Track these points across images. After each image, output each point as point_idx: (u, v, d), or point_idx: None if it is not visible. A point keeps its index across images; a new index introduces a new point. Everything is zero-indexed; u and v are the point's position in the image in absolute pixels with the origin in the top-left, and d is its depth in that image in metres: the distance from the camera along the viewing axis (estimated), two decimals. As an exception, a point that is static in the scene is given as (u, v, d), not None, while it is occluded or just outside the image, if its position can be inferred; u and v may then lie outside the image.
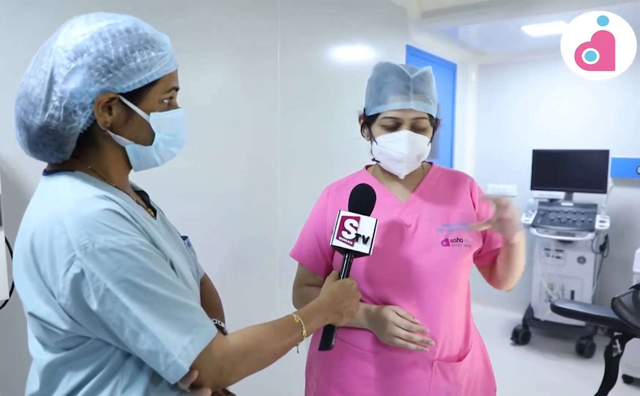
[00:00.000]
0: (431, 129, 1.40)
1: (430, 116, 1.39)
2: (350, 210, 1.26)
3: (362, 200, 1.28)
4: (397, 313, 1.32)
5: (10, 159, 1.64)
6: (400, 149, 1.35)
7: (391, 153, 1.37)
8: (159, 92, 0.97)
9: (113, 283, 0.82)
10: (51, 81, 0.88)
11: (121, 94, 0.92)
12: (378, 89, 1.38)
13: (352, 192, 1.29)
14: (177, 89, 1.02)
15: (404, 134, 1.35)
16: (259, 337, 0.98)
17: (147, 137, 0.98)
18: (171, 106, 1.01)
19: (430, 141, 1.40)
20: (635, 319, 1.89)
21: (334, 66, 3.13)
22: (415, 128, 1.36)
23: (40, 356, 0.92)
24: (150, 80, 0.94)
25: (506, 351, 4.13)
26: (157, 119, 0.97)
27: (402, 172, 1.40)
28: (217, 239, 2.43)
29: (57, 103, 0.88)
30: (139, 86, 0.93)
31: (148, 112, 0.96)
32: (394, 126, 1.36)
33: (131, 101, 0.93)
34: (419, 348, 1.30)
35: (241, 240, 2.58)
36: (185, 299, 0.90)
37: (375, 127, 1.40)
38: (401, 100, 1.34)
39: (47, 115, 0.88)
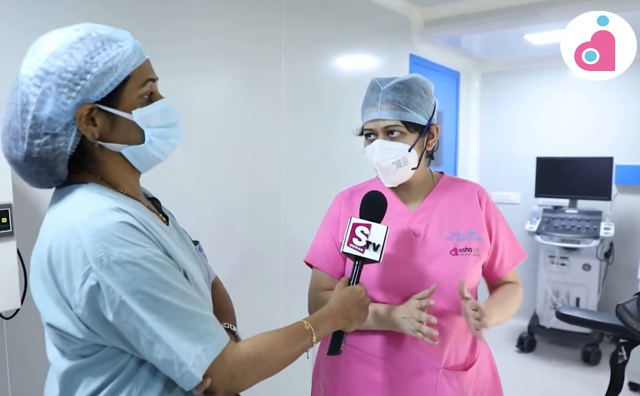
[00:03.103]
0: (412, 136, 1.39)
1: (409, 123, 1.38)
2: (361, 217, 1.27)
3: (373, 207, 1.29)
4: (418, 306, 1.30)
5: (21, 170, 1.67)
6: (373, 157, 1.41)
7: (370, 163, 1.43)
8: (135, 88, 0.95)
9: (128, 295, 0.84)
10: (24, 111, 0.88)
11: (97, 102, 0.91)
12: (362, 106, 1.45)
13: (363, 199, 1.31)
14: (153, 80, 1.00)
15: (375, 143, 1.40)
16: (270, 344, 1.00)
17: (138, 136, 0.97)
18: (153, 99, 0.99)
19: (412, 148, 1.38)
20: (639, 326, 1.90)
21: (338, 76, 3.16)
22: (390, 136, 1.39)
23: (58, 362, 0.94)
24: (120, 79, 0.92)
25: (512, 359, 4.13)
26: (141, 115, 0.96)
27: (385, 181, 1.44)
28: (222, 247, 2.44)
29: (31, 131, 0.89)
30: (111, 89, 0.92)
31: (130, 112, 0.95)
32: (372, 137, 1.42)
33: (110, 106, 0.93)
34: (426, 339, 1.27)
35: (246, 248, 2.59)
36: (198, 308, 0.92)
37: (363, 141, 1.46)
38: (372, 112, 1.40)
39: (26, 144, 0.89)
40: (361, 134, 1.47)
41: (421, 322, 1.27)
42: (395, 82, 1.39)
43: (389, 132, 1.38)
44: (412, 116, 1.37)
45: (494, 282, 1.56)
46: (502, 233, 1.50)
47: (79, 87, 0.89)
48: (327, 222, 1.55)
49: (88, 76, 0.89)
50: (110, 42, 0.92)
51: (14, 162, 0.94)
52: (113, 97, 0.93)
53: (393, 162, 1.38)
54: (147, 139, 0.98)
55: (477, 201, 1.49)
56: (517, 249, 1.55)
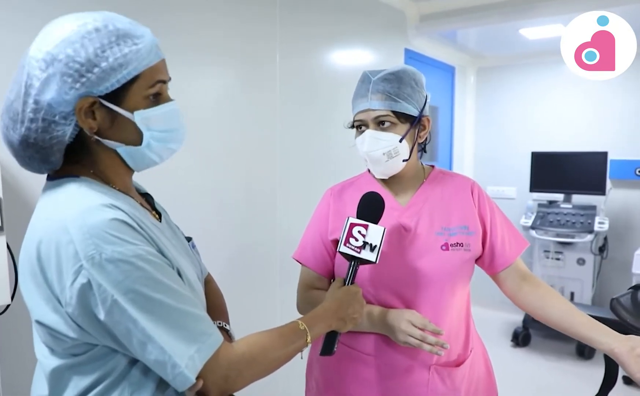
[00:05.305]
0: (403, 126, 1.37)
1: (400, 113, 1.36)
2: (358, 217, 1.25)
3: (371, 208, 1.27)
4: (410, 321, 1.30)
5: (10, 164, 1.65)
6: (363, 148, 1.39)
7: (361, 154, 1.41)
8: (142, 88, 0.92)
9: (120, 294, 0.82)
10: (26, 93, 0.86)
11: (100, 96, 0.88)
12: (352, 98, 1.43)
13: (361, 199, 1.29)
14: (164, 81, 0.96)
15: (365, 133, 1.38)
16: (264, 345, 0.98)
17: (136, 137, 0.94)
18: (160, 100, 0.96)
19: (403, 138, 1.36)
20: (633, 320, 1.89)
21: (333, 71, 3.14)
22: (381, 127, 1.37)
23: (47, 360, 0.92)
24: (129, 77, 0.89)
25: (506, 353, 4.14)
26: (143, 117, 0.93)
27: (376, 172, 1.43)
28: (218, 243, 2.43)
29: (31, 115, 0.86)
30: (117, 85, 0.88)
31: (132, 112, 0.91)
32: (362, 128, 1.40)
33: (112, 102, 0.90)
34: (433, 350, 1.27)
35: (241, 244, 2.58)
36: (192, 308, 0.90)
37: (355, 133, 1.44)
38: (362, 102, 1.38)
39: (24, 128, 0.87)
40: (352, 126, 1.44)
41: (416, 338, 1.27)
42: (385, 73, 1.38)
43: (379, 123, 1.37)
44: (402, 106, 1.36)
45: (500, 273, 1.47)
46: (500, 224, 1.46)
47: (84, 79, 0.86)
48: (315, 219, 1.52)
49: (95, 70, 0.86)
50: (126, 38, 0.89)
51: (10, 144, 0.91)
52: (118, 94, 0.90)
53: (383, 152, 1.36)
54: (145, 142, 0.94)
55: (470, 194, 1.46)
56: (518, 238, 1.50)
